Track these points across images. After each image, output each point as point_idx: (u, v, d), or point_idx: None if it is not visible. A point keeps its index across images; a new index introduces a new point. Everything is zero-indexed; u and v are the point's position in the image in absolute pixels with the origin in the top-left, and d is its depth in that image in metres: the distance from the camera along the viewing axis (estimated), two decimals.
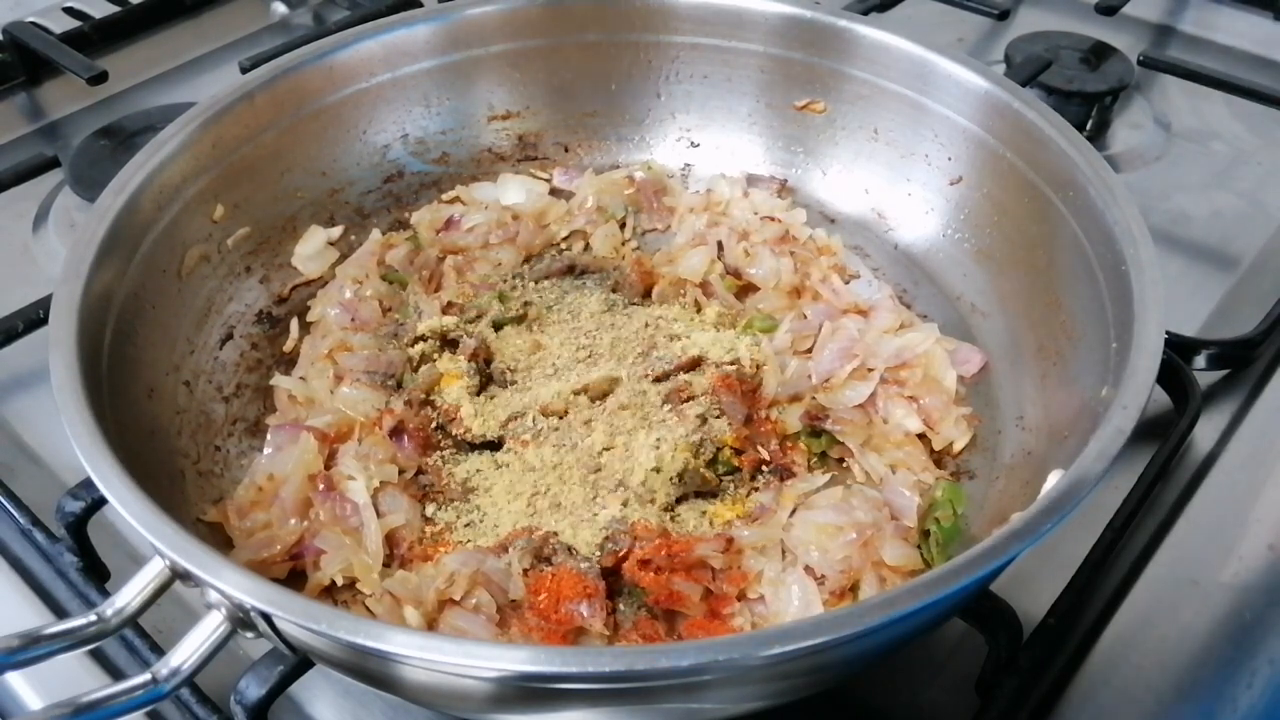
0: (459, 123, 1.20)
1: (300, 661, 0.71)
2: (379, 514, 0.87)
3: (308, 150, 1.10)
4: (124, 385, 0.84)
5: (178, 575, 0.68)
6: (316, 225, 1.12)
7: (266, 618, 0.64)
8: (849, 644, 0.61)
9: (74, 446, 0.71)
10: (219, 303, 1.02)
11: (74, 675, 0.83)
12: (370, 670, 0.67)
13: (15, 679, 0.83)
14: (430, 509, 0.90)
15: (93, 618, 0.69)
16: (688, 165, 1.24)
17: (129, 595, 0.69)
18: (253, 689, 0.71)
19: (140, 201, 0.92)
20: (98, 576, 0.88)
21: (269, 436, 0.93)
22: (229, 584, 0.62)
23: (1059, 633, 0.83)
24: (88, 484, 0.84)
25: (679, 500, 0.91)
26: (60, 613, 0.89)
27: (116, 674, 0.84)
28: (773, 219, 1.16)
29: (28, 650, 0.67)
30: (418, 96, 1.17)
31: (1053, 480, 0.75)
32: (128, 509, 0.67)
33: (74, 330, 0.79)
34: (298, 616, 0.61)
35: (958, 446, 0.96)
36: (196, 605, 0.80)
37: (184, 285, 0.98)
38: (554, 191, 1.22)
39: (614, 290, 1.09)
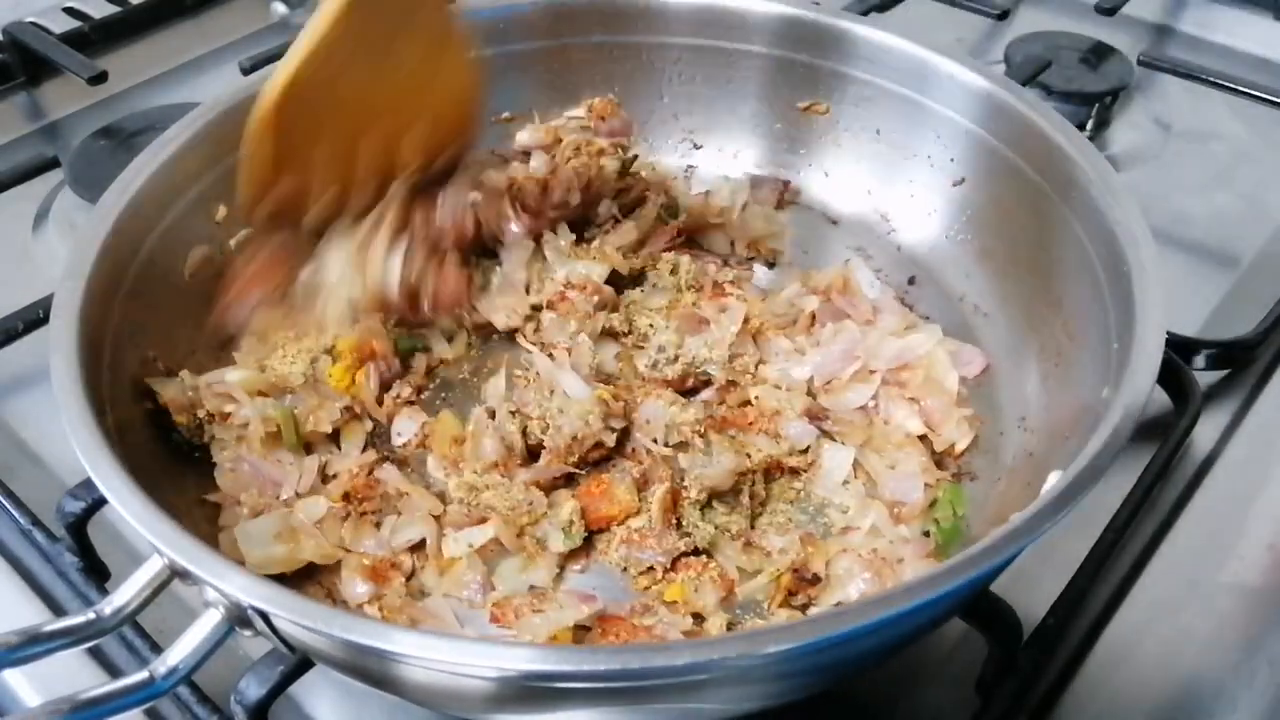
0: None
1: (300, 661, 0.71)
2: None
3: None
4: (124, 385, 0.85)
5: (176, 573, 0.69)
6: None
7: (264, 616, 0.64)
8: (848, 643, 0.61)
9: (74, 446, 0.71)
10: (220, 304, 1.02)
11: (71, 673, 0.83)
12: (369, 669, 0.67)
13: (12, 676, 0.83)
14: None
15: (91, 616, 0.69)
16: (690, 167, 1.24)
17: (127, 594, 0.69)
18: (253, 689, 0.71)
19: (142, 202, 0.92)
20: (98, 576, 0.88)
21: None
22: (227, 582, 0.63)
23: (1060, 632, 0.83)
24: (88, 484, 0.84)
25: None
26: (60, 612, 0.89)
27: (114, 671, 0.84)
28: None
29: (26, 648, 0.67)
30: None
31: (1052, 480, 0.75)
32: (127, 508, 0.67)
33: (74, 330, 0.79)
34: (295, 615, 0.61)
35: (959, 448, 0.96)
36: (194, 603, 0.80)
37: (186, 286, 0.98)
38: None
39: None
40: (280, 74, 0.85)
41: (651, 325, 1.05)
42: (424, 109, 0.96)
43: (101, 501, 0.84)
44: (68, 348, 0.78)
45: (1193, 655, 0.85)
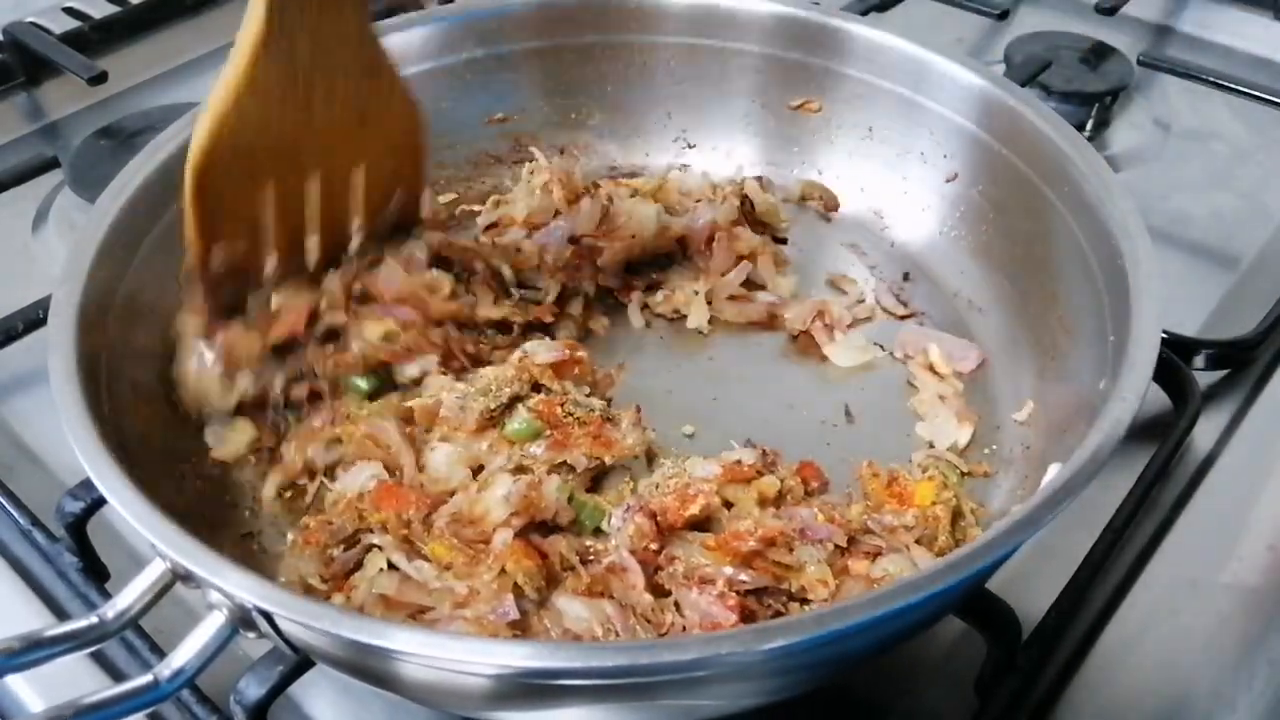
0: (456, 125, 1.20)
1: (300, 661, 0.71)
2: None
3: None
4: (123, 386, 0.84)
5: (178, 576, 0.68)
6: None
7: (268, 617, 0.64)
8: (848, 638, 0.62)
9: (73, 448, 0.71)
10: None
11: (73, 675, 0.82)
12: (371, 668, 0.67)
13: (14, 679, 0.83)
14: None
15: (94, 620, 0.69)
16: (685, 166, 1.24)
17: (130, 597, 0.69)
18: (252, 689, 0.71)
19: (139, 203, 0.92)
20: (98, 577, 0.88)
21: None
22: (230, 583, 0.62)
23: (1059, 632, 0.83)
24: (88, 484, 0.84)
25: None
26: (60, 613, 0.89)
27: (116, 674, 0.83)
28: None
29: (28, 653, 0.67)
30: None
31: (1052, 474, 0.75)
32: (128, 509, 0.67)
33: (73, 331, 0.79)
34: (299, 615, 0.61)
35: (960, 444, 0.96)
36: (197, 606, 0.80)
37: (182, 287, 0.97)
38: None
39: None
40: (200, 130, 0.83)
41: None
42: (362, 152, 0.93)
43: (101, 502, 0.84)
44: (66, 349, 0.78)
45: (1193, 655, 0.85)
